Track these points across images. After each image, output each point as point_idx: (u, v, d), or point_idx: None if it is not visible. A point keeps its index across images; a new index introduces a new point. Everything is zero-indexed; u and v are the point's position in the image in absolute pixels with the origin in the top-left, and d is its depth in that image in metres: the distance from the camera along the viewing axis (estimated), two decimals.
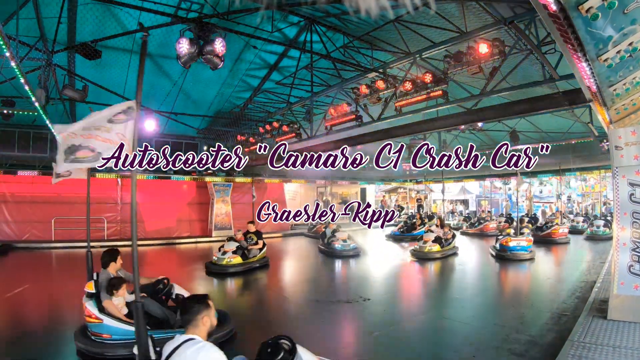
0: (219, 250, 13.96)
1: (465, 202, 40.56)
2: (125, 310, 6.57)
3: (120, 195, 21.96)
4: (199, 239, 22.65)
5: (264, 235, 15.26)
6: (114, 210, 21.70)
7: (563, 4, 3.42)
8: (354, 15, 11.65)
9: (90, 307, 6.31)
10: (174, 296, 7.33)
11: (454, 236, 16.16)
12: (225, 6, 11.18)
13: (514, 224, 25.66)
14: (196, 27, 9.11)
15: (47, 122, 11.74)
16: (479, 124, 17.09)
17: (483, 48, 10.07)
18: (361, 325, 8.46)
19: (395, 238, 23.16)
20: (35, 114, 11.98)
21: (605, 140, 16.80)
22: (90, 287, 6.60)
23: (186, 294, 7.04)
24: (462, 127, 16.87)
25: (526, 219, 24.78)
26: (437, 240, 16.39)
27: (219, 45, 9.20)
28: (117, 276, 6.90)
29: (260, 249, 14.58)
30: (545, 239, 20.35)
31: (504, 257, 15.39)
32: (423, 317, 8.75)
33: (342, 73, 14.57)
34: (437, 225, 17.48)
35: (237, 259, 13.70)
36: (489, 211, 29.93)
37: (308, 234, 25.07)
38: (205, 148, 23.43)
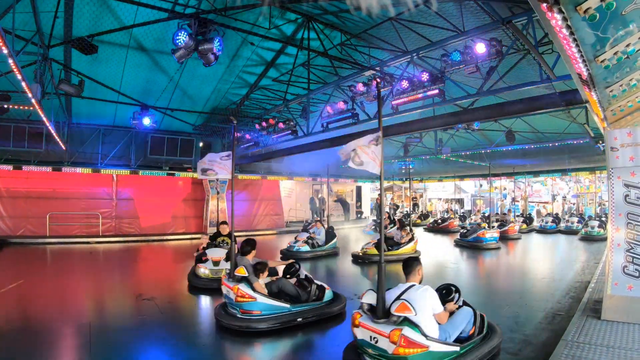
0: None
1: (460, 201, 40.60)
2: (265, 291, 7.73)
3: (115, 190, 21.89)
4: (195, 236, 22.63)
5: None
6: (109, 206, 21.65)
7: (561, 4, 3.43)
8: (354, 13, 11.68)
9: (244, 288, 7.41)
10: (302, 276, 8.70)
11: (411, 239, 15.81)
12: (222, 2, 11.15)
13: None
14: (194, 23, 9.08)
15: (43, 116, 11.68)
16: (475, 124, 17.08)
17: (480, 47, 10.08)
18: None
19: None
20: (31, 108, 11.92)
21: (601, 142, 16.85)
22: (241, 272, 7.73)
23: (309, 276, 8.70)
24: (459, 126, 16.85)
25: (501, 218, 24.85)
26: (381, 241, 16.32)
27: (216, 44, 9.19)
28: (260, 261, 8.22)
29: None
30: (503, 235, 21.63)
31: (477, 246, 18.40)
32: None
33: (339, 71, 14.56)
34: (397, 228, 17.18)
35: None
36: (507, 210, 29.68)
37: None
38: (201, 145, 23.42)
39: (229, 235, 12.00)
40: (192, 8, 11.27)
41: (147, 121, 15.78)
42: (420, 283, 5.66)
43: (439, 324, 5.38)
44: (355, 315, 5.60)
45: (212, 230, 22.79)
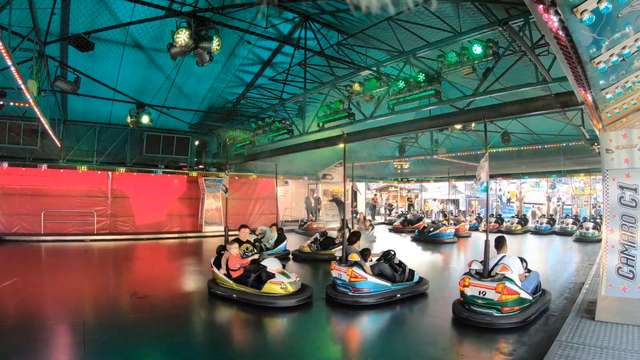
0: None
1: (455, 202, 40.68)
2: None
3: (110, 188, 21.85)
4: (189, 234, 22.62)
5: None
6: (104, 204, 21.61)
7: (558, 6, 3.44)
8: (353, 12, 11.67)
9: (357, 270, 9.18)
10: (396, 262, 10.19)
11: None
12: (220, 0, 11.14)
13: (504, 223, 26.04)
14: (192, 21, 9.06)
15: (38, 113, 11.65)
16: (472, 125, 17.12)
17: (477, 49, 10.11)
18: (349, 324, 8.49)
19: None
20: (27, 105, 11.88)
21: (596, 143, 16.90)
22: (354, 257, 9.53)
23: (402, 261, 10.32)
24: (457, 126, 16.87)
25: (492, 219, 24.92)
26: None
27: (215, 44, 9.18)
28: (366, 248, 10.17)
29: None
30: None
31: (436, 240, 21.07)
32: (411, 317, 8.79)
33: (335, 70, 14.54)
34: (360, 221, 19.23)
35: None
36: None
37: (299, 230, 25.03)
38: (197, 143, 23.40)
39: (250, 241, 11.93)
40: (190, 6, 11.26)
41: (145, 119, 15.71)
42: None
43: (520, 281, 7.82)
44: (465, 279, 8.06)
45: (207, 228, 22.83)
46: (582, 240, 20.56)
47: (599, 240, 17.95)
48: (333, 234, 16.54)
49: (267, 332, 8.09)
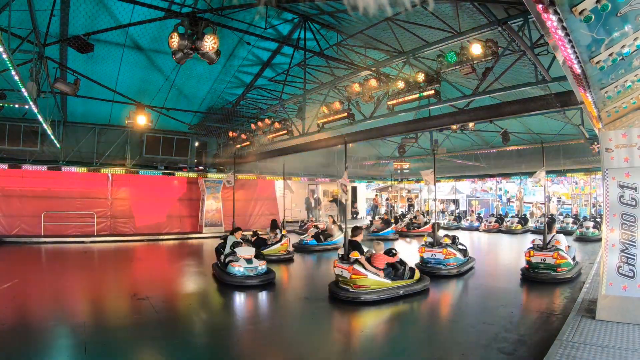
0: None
1: (456, 202, 40.66)
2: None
3: (110, 190, 21.85)
4: (189, 235, 22.62)
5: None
6: (104, 206, 21.60)
7: (557, 5, 3.44)
8: (351, 13, 11.67)
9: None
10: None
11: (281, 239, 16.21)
12: (219, 1, 11.15)
13: (504, 223, 26.00)
14: (186, 22, 9.05)
15: (38, 115, 11.66)
16: (471, 124, 17.13)
17: (476, 48, 10.10)
18: (350, 324, 8.49)
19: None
20: (26, 107, 11.88)
21: (595, 143, 16.91)
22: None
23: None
24: (454, 127, 16.88)
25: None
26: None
27: (210, 41, 9.14)
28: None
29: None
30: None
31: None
32: (412, 315, 8.79)
33: (335, 71, 14.54)
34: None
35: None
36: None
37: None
38: (196, 144, 23.40)
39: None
40: (189, 7, 11.26)
41: (142, 120, 15.68)
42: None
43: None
44: (529, 252, 11.64)
45: (207, 229, 22.82)
46: (583, 239, 20.52)
47: (599, 240, 17.92)
48: (269, 234, 16.58)
49: (271, 325, 8.09)
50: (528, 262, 11.61)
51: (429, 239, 13.28)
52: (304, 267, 15.23)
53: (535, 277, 11.25)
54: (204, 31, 8.98)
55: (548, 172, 27.91)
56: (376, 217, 29.12)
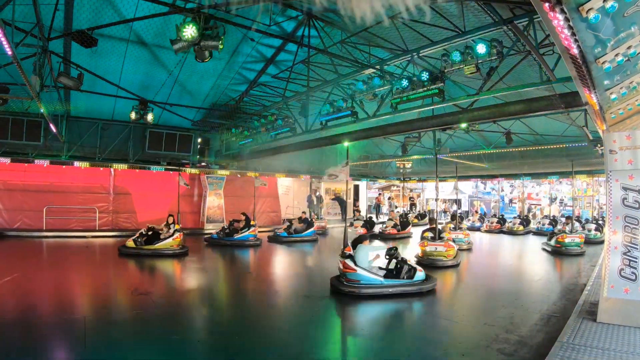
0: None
1: (457, 202, 40.61)
2: None
3: (112, 185, 21.87)
4: (192, 231, 22.63)
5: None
6: (105, 200, 21.65)
7: (564, 4, 3.42)
8: (349, 19, 11.64)
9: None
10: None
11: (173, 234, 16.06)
12: None
13: (506, 224, 25.95)
14: (198, 17, 9.03)
15: (41, 109, 11.66)
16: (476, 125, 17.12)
17: (481, 48, 10.07)
18: (351, 323, 8.48)
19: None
20: (30, 101, 11.88)
21: (599, 144, 16.85)
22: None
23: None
24: (459, 126, 16.84)
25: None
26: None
27: (219, 43, 9.13)
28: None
29: None
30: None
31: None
32: (412, 315, 8.78)
33: (338, 69, 14.51)
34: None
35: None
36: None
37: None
38: (199, 140, 23.38)
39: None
40: (193, 3, 11.24)
41: (134, 115, 15.66)
42: None
43: None
44: (563, 236, 16.30)
45: (209, 225, 22.82)
46: (585, 241, 20.49)
47: (601, 242, 17.89)
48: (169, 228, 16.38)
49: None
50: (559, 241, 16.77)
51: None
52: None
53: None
54: (217, 31, 9.03)
55: (552, 174, 28.02)
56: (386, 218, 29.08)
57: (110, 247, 16.84)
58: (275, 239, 20.46)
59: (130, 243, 15.00)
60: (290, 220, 21.18)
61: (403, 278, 9.98)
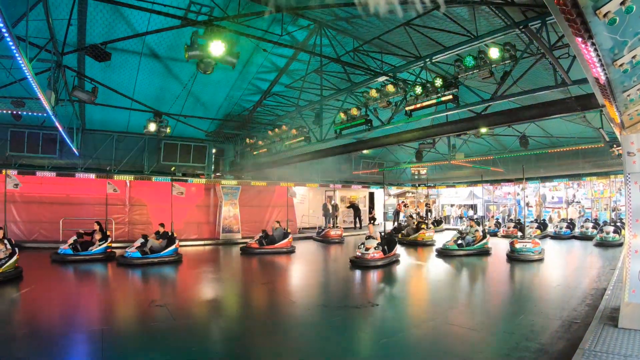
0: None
1: (473, 207, 40.35)
2: None
3: (128, 196, 22.01)
4: (206, 242, 22.68)
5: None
6: (122, 212, 21.77)
7: (581, 8, 3.37)
8: (367, 18, 11.66)
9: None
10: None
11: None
12: (235, 8, 11.19)
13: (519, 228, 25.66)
14: (208, 30, 9.09)
15: (57, 123, 11.77)
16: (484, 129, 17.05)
17: (494, 52, 10.01)
18: (370, 331, 8.41)
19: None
20: (45, 115, 12.01)
21: (616, 146, 16.68)
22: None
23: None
24: (478, 131, 16.76)
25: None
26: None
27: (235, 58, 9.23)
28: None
29: None
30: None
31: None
32: (432, 324, 8.67)
33: (351, 77, 14.54)
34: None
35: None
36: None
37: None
38: (214, 151, 23.52)
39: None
40: (205, 15, 11.32)
41: (153, 127, 15.70)
42: None
43: None
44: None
45: (224, 236, 22.88)
46: (603, 244, 20.23)
47: (620, 245, 17.67)
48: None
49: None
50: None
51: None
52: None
53: None
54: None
55: (564, 177, 27.77)
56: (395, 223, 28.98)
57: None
58: (124, 261, 15.39)
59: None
60: (146, 237, 16.16)
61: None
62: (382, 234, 16.51)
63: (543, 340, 7.01)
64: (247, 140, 20.95)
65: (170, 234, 16.66)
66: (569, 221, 26.73)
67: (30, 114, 13.84)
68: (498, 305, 10.04)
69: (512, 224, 26.87)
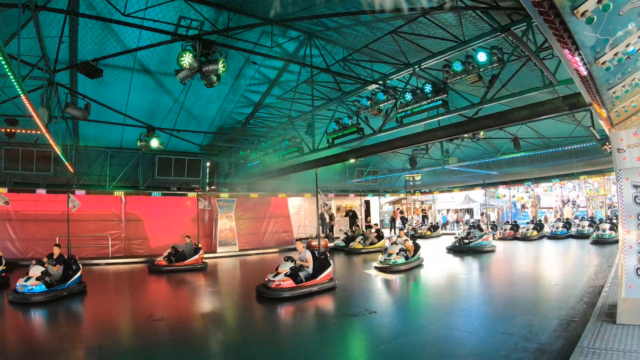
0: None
1: (469, 211, 40.43)
2: None
3: (124, 212, 21.99)
4: (206, 255, 22.63)
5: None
6: (117, 228, 21.74)
7: (558, 8, 3.44)
8: (355, 27, 11.74)
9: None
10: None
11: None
12: (224, 23, 11.26)
13: (520, 230, 25.74)
14: (198, 44, 9.15)
15: (50, 140, 11.78)
16: (481, 133, 17.11)
17: (482, 56, 10.11)
18: (368, 338, 8.42)
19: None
20: (38, 132, 12.02)
21: (607, 143, 16.76)
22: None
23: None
24: (464, 136, 16.85)
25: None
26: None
27: (221, 66, 9.22)
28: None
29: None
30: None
31: None
32: (430, 329, 8.68)
33: (342, 86, 14.61)
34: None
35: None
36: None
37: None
38: (208, 164, 23.54)
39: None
40: (195, 30, 11.39)
41: (154, 143, 15.72)
42: None
43: None
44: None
45: (221, 249, 22.82)
46: (600, 242, 20.32)
47: (617, 241, 17.74)
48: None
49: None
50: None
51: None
52: None
53: None
54: (215, 56, 9.12)
55: (561, 176, 27.86)
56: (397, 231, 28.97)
57: (122, 273, 16.89)
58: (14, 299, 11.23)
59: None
60: (41, 262, 12.55)
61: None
62: (317, 253, 13.74)
63: (542, 340, 7.04)
64: (241, 152, 20.97)
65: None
66: (564, 221, 26.84)
67: (24, 131, 13.86)
68: (495, 308, 10.06)
69: (509, 226, 26.97)
